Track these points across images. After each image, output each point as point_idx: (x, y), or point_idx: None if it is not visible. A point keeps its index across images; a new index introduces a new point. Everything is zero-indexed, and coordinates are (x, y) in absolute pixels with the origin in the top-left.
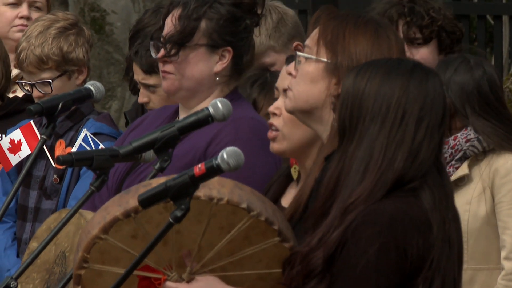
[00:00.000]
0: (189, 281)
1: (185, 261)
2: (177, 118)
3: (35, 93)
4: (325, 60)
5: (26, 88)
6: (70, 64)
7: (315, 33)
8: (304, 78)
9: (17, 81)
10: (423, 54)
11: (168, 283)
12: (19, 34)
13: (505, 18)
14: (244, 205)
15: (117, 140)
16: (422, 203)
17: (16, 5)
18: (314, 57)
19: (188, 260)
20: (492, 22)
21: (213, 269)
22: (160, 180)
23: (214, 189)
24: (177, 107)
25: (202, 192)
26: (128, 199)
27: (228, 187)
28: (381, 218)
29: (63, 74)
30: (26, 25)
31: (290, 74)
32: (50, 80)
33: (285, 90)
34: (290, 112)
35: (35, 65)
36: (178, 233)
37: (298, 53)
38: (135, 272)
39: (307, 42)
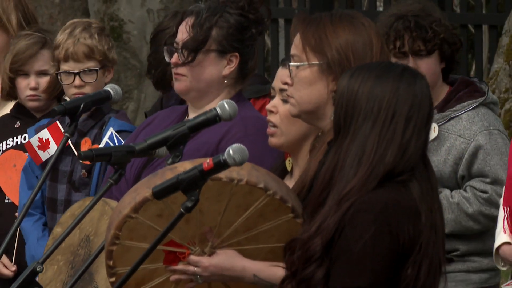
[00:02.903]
0: (210, 254)
1: (206, 237)
2: (186, 117)
3: (77, 82)
4: (317, 62)
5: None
6: (107, 61)
7: (298, 42)
8: (302, 84)
9: (60, 71)
10: (427, 64)
11: (192, 257)
12: None
13: (484, 27)
14: (261, 185)
15: (129, 136)
16: (411, 193)
17: None
18: (306, 63)
19: (210, 236)
20: (473, 30)
21: (231, 244)
22: (184, 164)
23: (234, 171)
24: (186, 107)
25: (223, 174)
26: (156, 181)
27: (246, 169)
28: (375, 206)
29: (102, 67)
30: None
31: (286, 83)
32: (97, 68)
33: (281, 90)
34: (297, 116)
35: (85, 53)
36: (200, 212)
37: (290, 63)
38: (162, 247)
39: (293, 52)
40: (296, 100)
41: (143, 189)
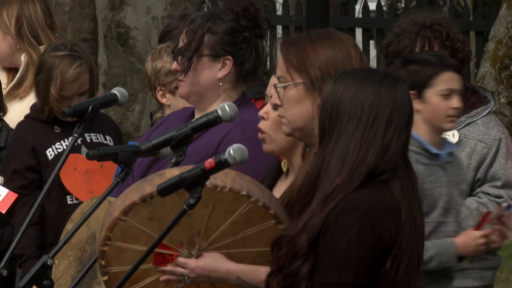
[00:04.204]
0: (197, 257)
1: (194, 239)
2: (193, 119)
3: None
4: (302, 81)
5: None
6: None
7: (281, 64)
8: (291, 103)
9: None
10: None
11: (180, 259)
12: None
13: (472, 34)
14: (244, 192)
15: (142, 136)
16: (393, 192)
17: None
18: (291, 83)
19: (197, 239)
20: None
21: (219, 247)
22: (172, 171)
23: (218, 178)
24: (194, 109)
25: (208, 181)
26: (145, 186)
27: (231, 176)
28: (359, 205)
29: None
30: None
31: (276, 105)
32: None
33: (274, 107)
34: (289, 134)
35: None
36: (188, 216)
37: (277, 85)
38: None
39: (279, 73)
40: (287, 119)
41: (132, 194)
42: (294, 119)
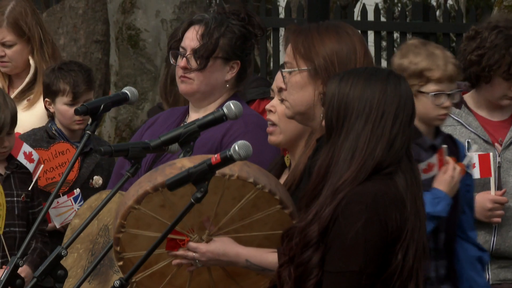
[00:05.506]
0: (207, 241)
1: (204, 225)
2: (187, 116)
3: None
4: (306, 68)
5: None
6: None
7: (289, 51)
8: (294, 88)
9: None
10: None
11: (191, 243)
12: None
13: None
14: (251, 180)
15: (134, 135)
16: (397, 184)
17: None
18: (296, 69)
19: (207, 224)
20: (454, 38)
21: (228, 232)
22: (182, 160)
23: (226, 167)
24: (186, 108)
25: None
26: (157, 176)
27: (238, 165)
28: (366, 197)
29: None
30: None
31: (281, 88)
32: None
33: (279, 91)
34: (291, 117)
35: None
36: (198, 203)
37: (283, 70)
38: None
39: (286, 59)
40: (290, 103)
41: (145, 183)
42: (296, 103)
